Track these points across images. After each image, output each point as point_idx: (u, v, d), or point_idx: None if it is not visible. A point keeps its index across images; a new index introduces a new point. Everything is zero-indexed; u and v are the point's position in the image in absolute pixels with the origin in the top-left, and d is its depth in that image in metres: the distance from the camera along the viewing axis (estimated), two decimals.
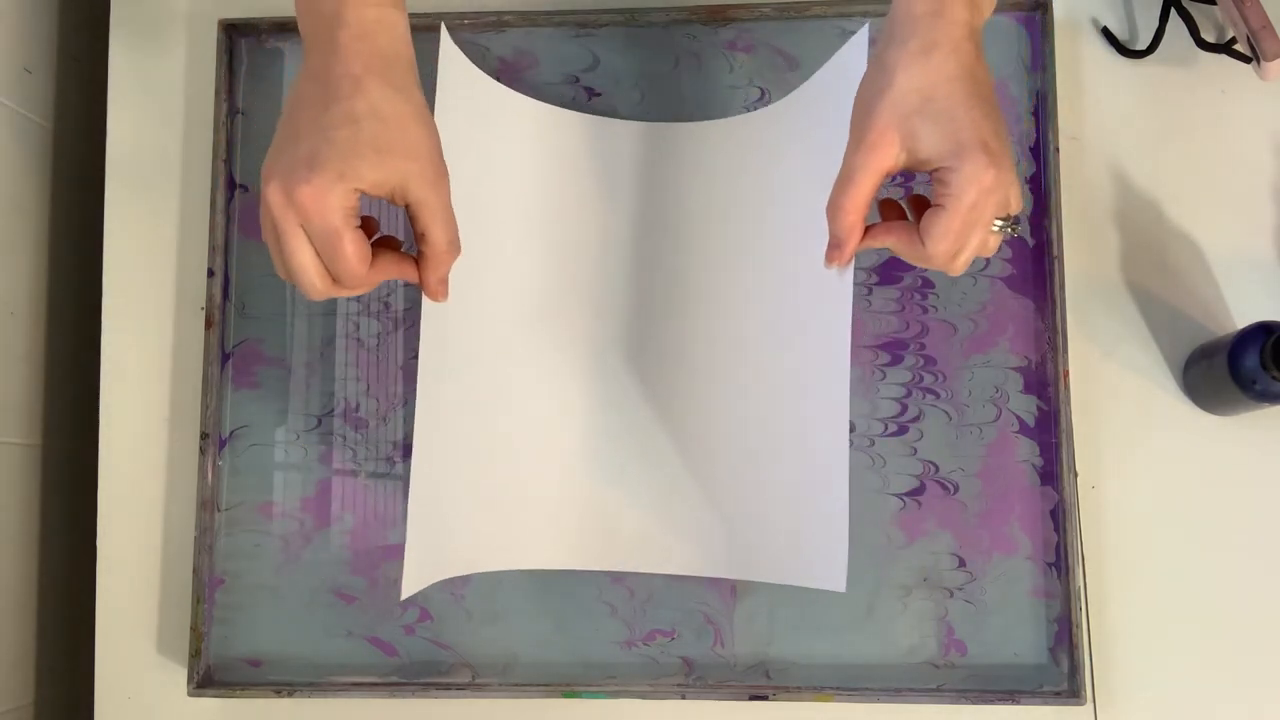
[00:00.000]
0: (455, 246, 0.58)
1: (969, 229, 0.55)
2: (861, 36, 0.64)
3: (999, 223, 0.56)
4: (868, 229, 0.58)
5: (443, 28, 0.69)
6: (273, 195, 0.53)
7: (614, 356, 0.74)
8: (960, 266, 0.56)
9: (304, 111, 0.54)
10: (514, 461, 0.73)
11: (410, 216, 0.57)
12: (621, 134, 0.76)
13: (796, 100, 0.72)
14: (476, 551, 0.71)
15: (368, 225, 0.57)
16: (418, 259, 0.58)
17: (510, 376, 0.73)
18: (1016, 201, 0.56)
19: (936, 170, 0.54)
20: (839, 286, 0.62)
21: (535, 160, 0.75)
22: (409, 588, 0.65)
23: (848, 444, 0.64)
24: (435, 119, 0.57)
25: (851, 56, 0.65)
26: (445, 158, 0.58)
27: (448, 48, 0.67)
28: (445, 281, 0.59)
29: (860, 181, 0.55)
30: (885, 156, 0.55)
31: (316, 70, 0.55)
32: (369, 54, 0.54)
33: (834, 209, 0.57)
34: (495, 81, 0.74)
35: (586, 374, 0.74)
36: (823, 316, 0.64)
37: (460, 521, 0.70)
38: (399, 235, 0.61)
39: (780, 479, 0.69)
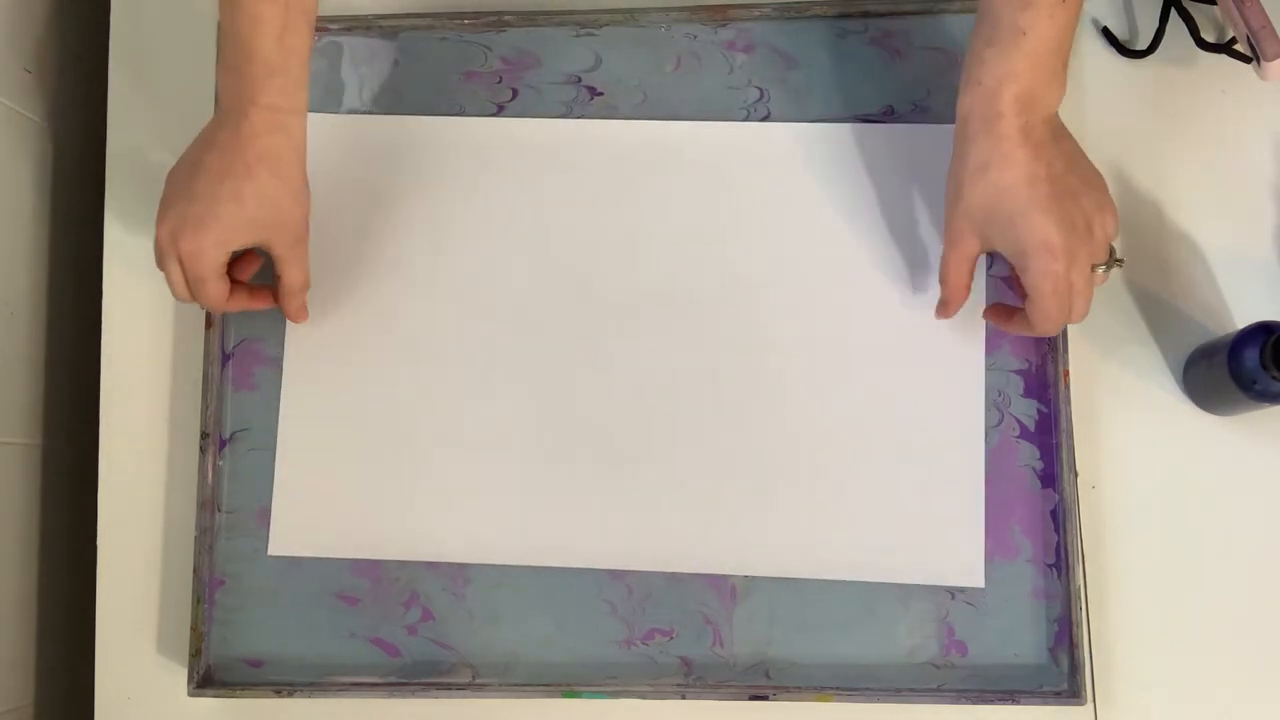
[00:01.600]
0: (306, 285, 0.73)
1: (1062, 305, 0.63)
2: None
3: (1100, 268, 0.64)
4: (990, 311, 0.71)
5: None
6: (163, 234, 0.68)
7: (603, 356, 0.75)
8: (1078, 319, 0.65)
9: (204, 175, 0.67)
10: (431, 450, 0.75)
11: (273, 261, 0.71)
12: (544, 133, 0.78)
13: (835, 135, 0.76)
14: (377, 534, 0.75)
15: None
16: (275, 291, 0.73)
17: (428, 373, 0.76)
18: (1102, 250, 0.64)
19: (1015, 266, 0.64)
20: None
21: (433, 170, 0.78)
22: (276, 548, 0.75)
23: (983, 442, 0.72)
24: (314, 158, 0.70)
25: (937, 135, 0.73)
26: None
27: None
28: (303, 308, 0.74)
29: (953, 266, 0.67)
30: (968, 249, 0.66)
31: (223, 143, 0.67)
32: (263, 149, 0.66)
33: (941, 279, 0.69)
34: (371, 115, 0.78)
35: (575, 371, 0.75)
36: (954, 324, 0.73)
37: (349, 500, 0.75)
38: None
39: (910, 481, 0.72)
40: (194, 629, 0.74)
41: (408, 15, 0.79)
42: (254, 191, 0.67)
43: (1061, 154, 0.63)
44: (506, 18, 0.78)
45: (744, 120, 0.77)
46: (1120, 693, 0.71)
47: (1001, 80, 0.61)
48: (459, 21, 0.78)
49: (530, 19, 0.78)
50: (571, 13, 0.78)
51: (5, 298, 0.79)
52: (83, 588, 0.78)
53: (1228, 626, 0.71)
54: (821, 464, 0.73)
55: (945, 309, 0.70)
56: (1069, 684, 0.70)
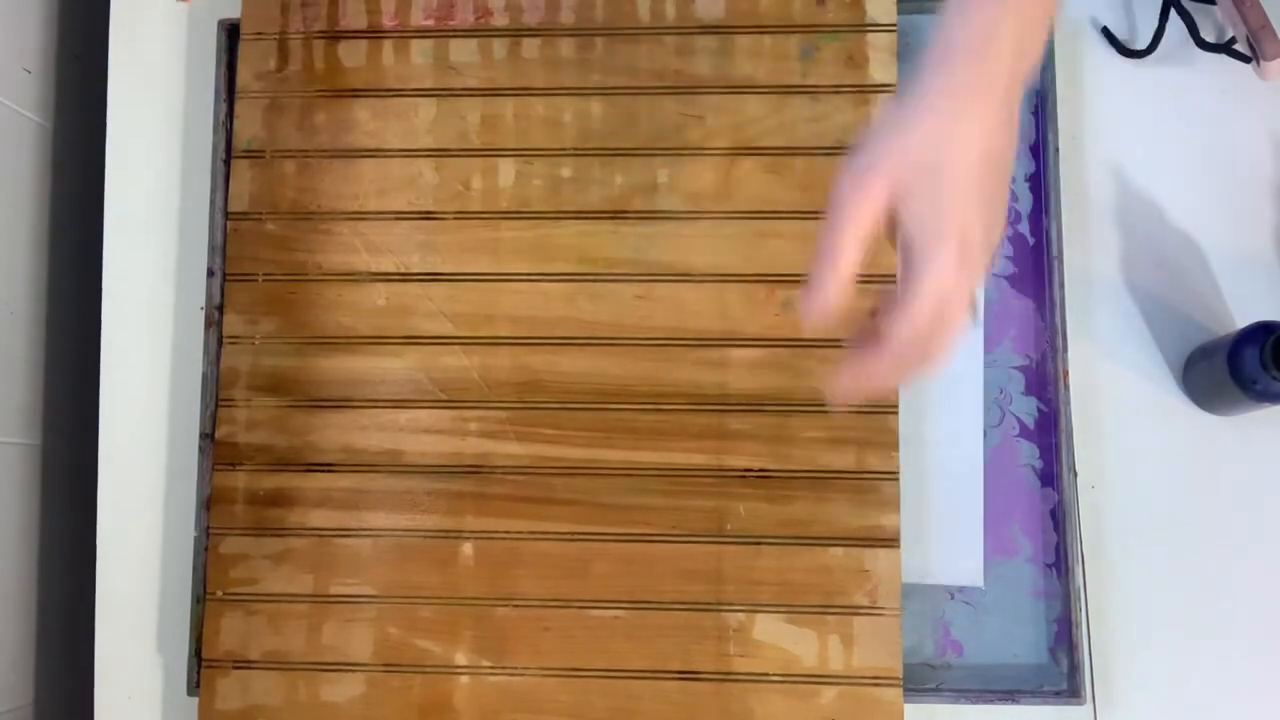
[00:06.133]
0: None
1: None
2: None
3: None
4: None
5: None
6: None
7: None
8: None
9: None
10: None
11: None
12: None
13: None
14: None
15: None
16: None
17: None
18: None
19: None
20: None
21: None
22: None
23: (982, 441, 0.72)
24: None
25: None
26: None
27: None
28: None
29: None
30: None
31: None
32: None
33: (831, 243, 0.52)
34: None
35: None
36: None
37: None
38: None
39: (909, 479, 0.71)
40: (194, 629, 0.74)
41: None
42: None
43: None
44: None
45: None
46: (1120, 693, 0.71)
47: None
48: None
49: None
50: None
51: (5, 298, 0.79)
52: (83, 588, 0.78)
53: (1227, 626, 0.71)
54: None
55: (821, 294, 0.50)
56: (1068, 684, 0.70)
